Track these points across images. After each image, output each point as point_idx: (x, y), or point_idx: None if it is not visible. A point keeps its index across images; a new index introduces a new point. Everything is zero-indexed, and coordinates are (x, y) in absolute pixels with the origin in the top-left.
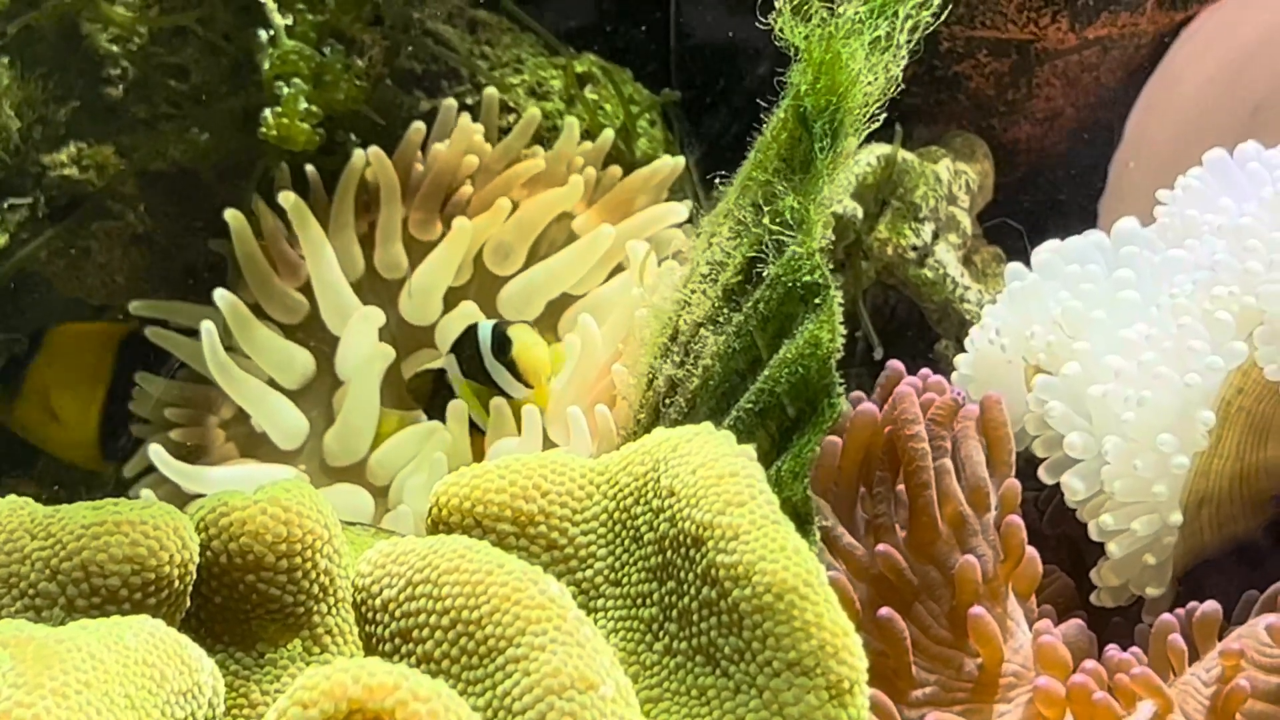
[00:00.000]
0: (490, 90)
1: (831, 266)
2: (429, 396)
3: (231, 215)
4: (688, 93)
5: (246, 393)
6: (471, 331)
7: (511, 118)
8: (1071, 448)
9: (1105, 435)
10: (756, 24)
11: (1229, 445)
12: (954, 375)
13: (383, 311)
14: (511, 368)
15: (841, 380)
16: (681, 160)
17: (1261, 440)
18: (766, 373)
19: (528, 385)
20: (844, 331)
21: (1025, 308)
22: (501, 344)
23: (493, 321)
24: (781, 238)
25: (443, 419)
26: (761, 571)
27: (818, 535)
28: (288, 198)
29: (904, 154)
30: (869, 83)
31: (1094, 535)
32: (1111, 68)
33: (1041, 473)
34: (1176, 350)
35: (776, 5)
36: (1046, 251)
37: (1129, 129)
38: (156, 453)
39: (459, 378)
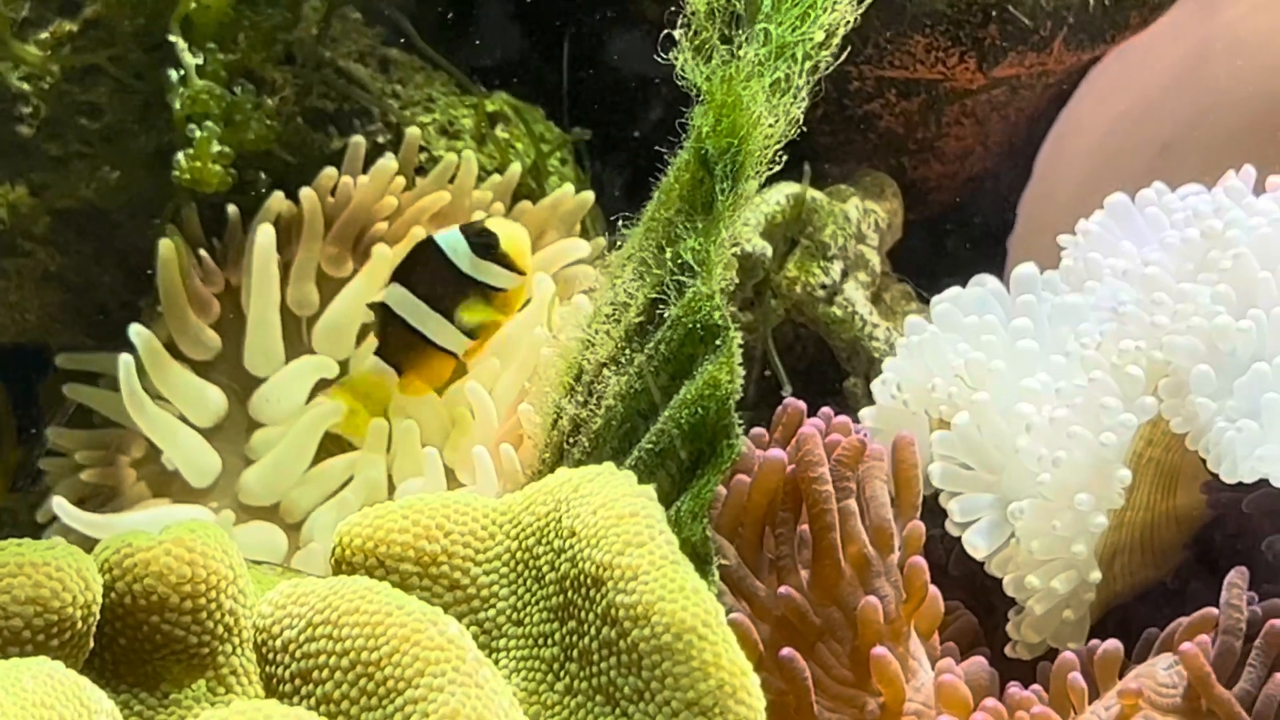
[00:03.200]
0: (413, 129)
1: (738, 306)
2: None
3: (164, 245)
4: (600, 132)
5: (159, 429)
6: (426, 250)
7: (423, 156)
8: (954, 514)
9: (1019, 492)
10: (658, 60)
11: (1140, 497)
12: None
13: (333, 361)
14: (503, 260)
15: (741, 421)
16: (590, 195)
17: (1170, 489)
18: (667, 413)
19: (520, 273)
20: (743, 372)
21: (924, 360)
22: (485, 243)
23: (450, 230)
24: (682, 279)
25: (394, 360)
26: (660, 612)
27: (717, 575)
28: (265, 231)
29: (813, 193)
30: (771, 124)
31: (1010, 592)
32: (1020, 107)
33: (949, 525)
34: (1088, 406)
35: (678, 43)
36: (945, 302)
37: (1038, 167)
38: (60, 505)
39: (417, 305)
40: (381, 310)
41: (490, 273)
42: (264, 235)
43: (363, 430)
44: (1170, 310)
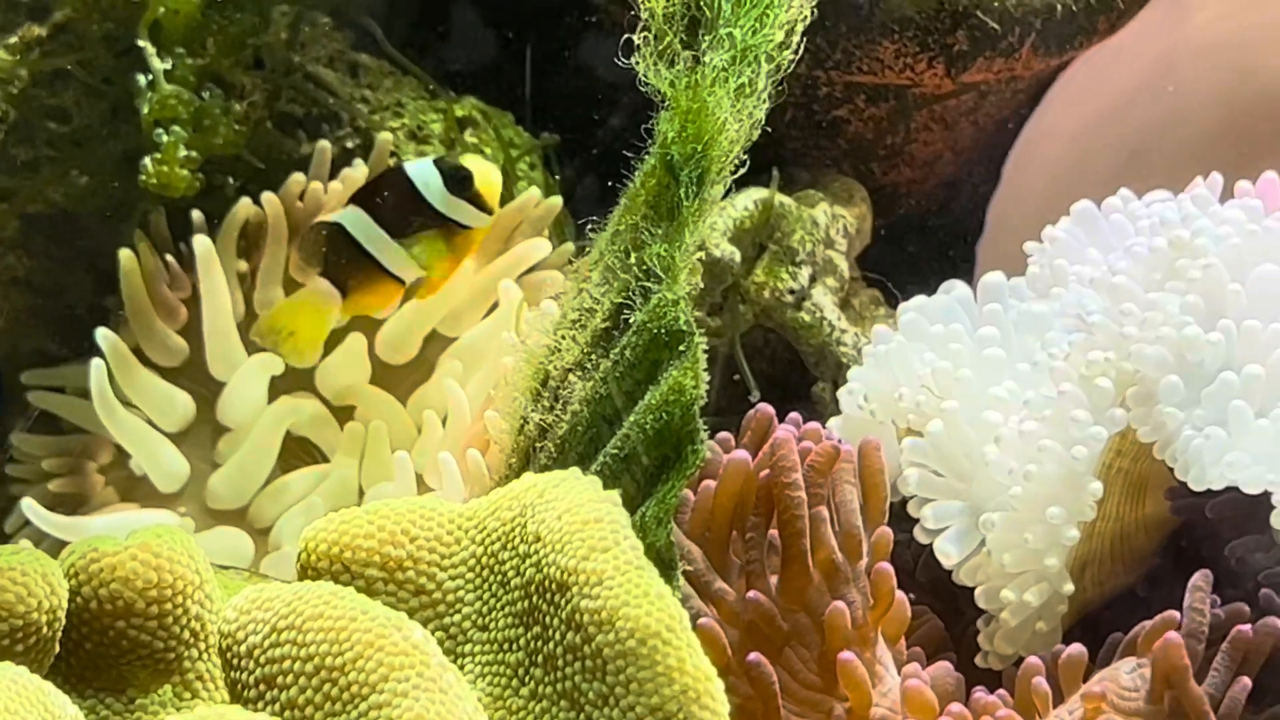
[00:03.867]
0: (384, 135)
1: (707, 311)
2: (324, 257)
3: (125, 255)
4: (569, 137)
5: (128, 433)
6: (394, 179)
7: (393, 161)
8: (926, 520)
9: (989, 504)
10: (625, 65)
11: (1110, 507)
12: None
13: (279, 359)
14: (475, 200)
15: (707, 426)
16: (558, 200)
17: (1139, 498)
18: (631, 419)
19: (489, 212)
20: (708, 377)
21: (891, 370)
22: (460, 181)
23: (423, 162)
24: (648, 284)
25: (339, 282)
26: (625, 617)
27: (681, 580)
28: (201, 241)
29: (781, 198)
30: (736, 130)
31: (982, 603)
32: (989, 113)
33: (917, 533)
34: (1058, 418)
35: (637, 48)
36: (911, 310)
37: (1006, 173)
38: (30, 507)
39: (373, 229)
40: (333, 230)
41: (461, 210)
42: (201, 245)
43: (305, 355)
44: (1138, 320)
